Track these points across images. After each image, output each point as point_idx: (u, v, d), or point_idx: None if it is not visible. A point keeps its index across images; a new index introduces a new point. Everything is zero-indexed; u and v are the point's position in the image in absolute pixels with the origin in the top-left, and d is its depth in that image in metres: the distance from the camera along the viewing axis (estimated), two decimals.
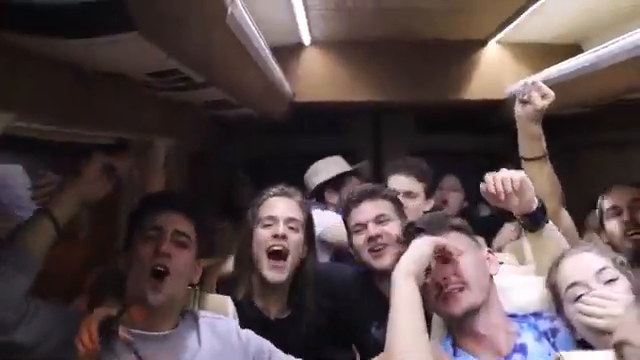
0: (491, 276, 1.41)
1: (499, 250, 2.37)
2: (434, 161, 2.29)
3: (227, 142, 3.12)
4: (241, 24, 1.41)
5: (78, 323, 1.23)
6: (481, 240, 1.94)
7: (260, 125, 2.97)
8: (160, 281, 1.31)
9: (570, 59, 2.00)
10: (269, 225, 1.70)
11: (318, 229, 1.97)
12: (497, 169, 1.47)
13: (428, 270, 1.30)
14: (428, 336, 1.22)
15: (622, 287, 1.26)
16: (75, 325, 1.22)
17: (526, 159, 1.71)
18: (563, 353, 1.19)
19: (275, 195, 1.76)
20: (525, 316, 1.41)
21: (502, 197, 1.43)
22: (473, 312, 1.33)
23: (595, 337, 1.24)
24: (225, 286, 1.71)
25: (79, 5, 0.85)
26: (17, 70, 1.01)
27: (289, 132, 3.17)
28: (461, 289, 1.33)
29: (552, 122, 2.79)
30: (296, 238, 1.70)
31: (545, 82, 2.17)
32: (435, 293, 1.34)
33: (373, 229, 1.76)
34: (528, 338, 1.34)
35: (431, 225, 1.45)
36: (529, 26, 2.49)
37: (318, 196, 2.64)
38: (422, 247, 1.30)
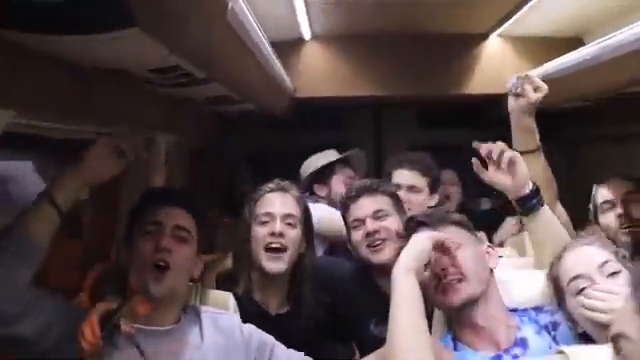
0: (491, 270, 1.42)
1: (501, 245, 2.38)
2: (435, 155, 2.29)
3: (228, 138, 3.12)
4: (242, 19, 1.41)
5: (80, 317, 1.23)
6: (482, 235, 1.95)
7: (261, 121, 2.97)
8: (161, 273, 1.31)
9: (572, 52, 2.00)
10: (266, 222, 1.70)
11: None
12: None
13: (427, 264, 1.30)
14: (429, 332, 1.23)
15: (624, 280, 1.26)
16: (77, 319, 1.22)
17: (520, 152, 1.72)
18: (564, 347, 1.20)
19: (271, 191, 1.76)
20: (525, 310, 1.41)
21: (493, 165, 1.43)
22: (472, 303, 1.34)
23: (597, 331, 1.25)
24: (225, 282, 1.72)
25: (79, 1, 0.85)
26: (17, 67, 1.01)
27: (290, 127, 3.17)
28: (460, 280, 1.34)
29: (553, 116, 2.79)
30: (294, 234, 1.70)
31: (546, 76, 2.18)
32: (434, 284, 1.35)
33: (371, 225, 1.76)
34: (529, 332, 1.34)
35: (432, 219, 1.46)
36: (530, 19, 2.49)
37: (311, 190, 2.63)
38: (422, 242, 1.31)
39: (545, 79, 2.18)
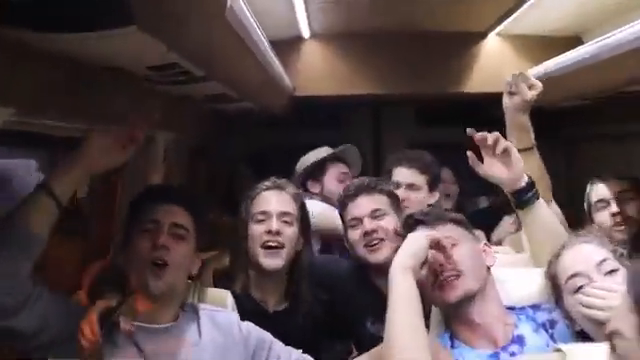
0: (488, 268, 1.42)
1: (498, 243, 2.38)
2: (434, 154, 2.29)
3: (227, 136, 3.12)
4: (240, 17, 1.41)
5: (79, 315, 1.23)
6: (480, 233, 1.95)
7: (260, 119, 2.97)
8: (160, 270, 1.31)
9: (570, 51, 2.00)
10: (262, 220, 1.70)
11: None
12: None
13: (424, 263, 1.31)
14: (426, 331, 1.23)
15: (622, 278, 1.27)
16: (76, 316, 1.22)
17: None
18: (562, 345, 1.20)
19: (268, 189, 1.76)
20: (523, 308, 1.42)
21: (487, 152, 1.43)
22: (468, 300, 1.35)
23: (595, 329, 1.25)
24: (222, 279, 1.71)
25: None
26: (15, 65, 1.01)
27: (289, 126, 3.17)
28: (457, 276, 1.34)
29: (552, 115, 2.79)
30: (290, 232, 1.70)
31: (545, 74, 2.18)
32: (431, 280, 1.35)
33: (368, 224, 1.76)
34: (526, 329, 1.35)
35: (429, 217, 1.47)
36: (529, 18, 2.49)
37: (305, 187, 2.61)
38: (418, 241, 1.31)
39: (544, 78, 2.19)
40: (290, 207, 1.73)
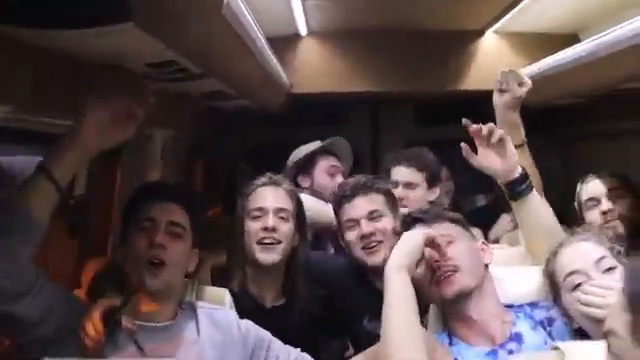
0: (486, 266, 1.43)
1: (496, 241, 2.39)
2: (433, 152, 2.29)
3: (224, 133, 3.12)
4: (237, 15, 1.41)
5: (79, 311, 1.22)
6: (477, 232, 1.96)
7: (258, 116, 2.96)
8: (157, 269, 1.31)
9: (567, 49, 2.00)
10: (258, 217, 1.70)
11: None
12: None
13: (420, 261, 1.31)
14: (423, 329, 1.23)
15: (620, 276, 1.27)
16: (77, 312, 1.22)
17: None
18: (559, 343, 1.21)
19: (263, 185, 1.76)
20: (521, 306, 1.42)
21: (482, 142, 1.44)
22: (465, 296, 1.35)
23: (593, 326, 1.25)
24: (219, 276, 1.71)
25: None
26: (13, 62, 1.01)
27: (287, 123, 3.16)
28: (453, 272, 1.35)
29: (548, 113, 2.80)
30: (286, 228, 1.71)
31: (542, 72, 2.18)
32: (428, 277, 1.36)
33: (366, 227, 1.75)
34: (524, 327, 1.35)
35: (427, 216, 1.47)
36: (526, 16, 2.49)
37: (295, 182, 2.58)
38: (413, 239, 1.31)
39: (541, 76, 2.20)
40: (286, 203, 1.73)
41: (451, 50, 2.83)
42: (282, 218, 1.71)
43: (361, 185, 1.81)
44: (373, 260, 1.74)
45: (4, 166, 1.62)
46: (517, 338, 1.33)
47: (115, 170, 2.02)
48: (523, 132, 1.75)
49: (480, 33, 2.83)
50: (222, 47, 1.51)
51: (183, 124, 2.32)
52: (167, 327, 1.34)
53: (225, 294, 1.57)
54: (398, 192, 2.01)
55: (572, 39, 2.52)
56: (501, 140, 1.46)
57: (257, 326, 1.45)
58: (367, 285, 1.77)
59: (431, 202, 2.12)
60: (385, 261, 1.29)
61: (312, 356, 1.49)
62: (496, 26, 2.73)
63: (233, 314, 1.46)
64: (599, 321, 1.20)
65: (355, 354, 1.49)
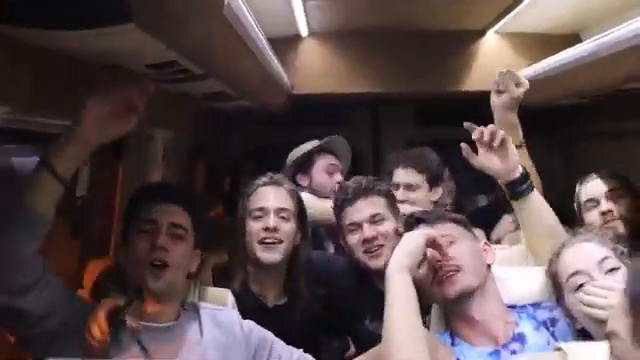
0: (489, 266, 1.43)
1: (498, 241, 2.38)
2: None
3: (226, 134, 3.12)
4: (238, 15, 1.41)
5: (83, 310, 1.22)
6: (479, 232, 1.95)
7: (259, 117, 2.96)
8: (160, 271, 1.31)
9: (568, 49, 2.00)
10: (260, 217, 1.70)
11: None
12: None
13: (422, 261, 1.31)
14: (425, 329, 1.23)
15: (623, 277, 1.27)
16: (81, 311, 1.22)
17: None
18: (562, 344, 1.20)
19: (265, 184, 1.75)
20: (524, 306, 1.42)
21: (481, 140, 1.44)
22: (467, 296, 1.35)
23: (595, 327, 1.25)
24: (221, 276, 1.71)
25: None
26: (13, 63, 1.01)
27: (288, 124, 3.17)
28: (456, 272, 1.35)
29: (550, 113, 2.79)
30: (288, 228, 1.70)
31: (544, 72, 2.18)
32: (430, 277, 1.36)
33: (368, 231, 1.75)
34: (526, 327, 1.35)
35: (430, 216, 1.47)
36: (527, 16, 2.49)
37: (294, 181, 2.56)
38: (414, 240, 1.31)
39: (542, 76, 2.19)
40: (287, 203, 1.73)
41: (452, 50, 2.83)
42: (283, 218, 1.71)
43: (362, 188, 1.80)
44: (376, 264, 1.73)
45: (16, 166, 1.63)
46: (520, 338, 1.33)
47: (117, 171, 2.02)
48: (521, 133, 1.75)
49: (481, 33, 2.83)
50: (223, 48, 1.51)
51: (184, 125, 2.32)
52: (170, 328, 1.34)
53: (227, 294, 1.57)
54: (399, 194, 2.01)
55: (573, 39, 2.52)
56: (503, 142, 1.46)
57: (259, 326, 1.45)
58: (368, 286, 1.77)
59: (435, 202, 2.12)
60: (387, 263, 1.29)
61: (314, 356, 1.48)
62: (497, 26, 2.72)
63: (236, 314, 1.46)
64: (602, 322, 1.19)
65: (357, 355, 1.48)
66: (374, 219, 1.77)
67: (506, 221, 2.51)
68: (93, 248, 1.90)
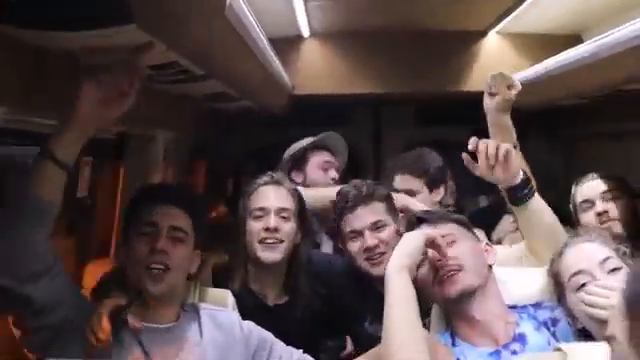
0: (490, 266, 1.43)
1: (499, 242, 2.38)
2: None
3: (227, 135, 3.12)
4: (240, 16, 1.41)
5: (88, 309, 1.22)
6: (480, 233, 1.95)
7: (260, 118, 2.96)
8: (159, 275, 1.30)
9: (570, 50, 2.00)
10: (260, 217, 1.70)
11: None
12: None
13: (422, 262, 1.31)
14: (425, 329, 1.23)
15: (624, 277, 1.27)
16: (85, 310, 1.22)
17: None
18: (562, 345, 1.20)
19: (265, 184, 1.75)
20: (525, 306, 1.42)
21: (482, 160, 1.44)
22: (469, 295, 1.35)
23: (597, 327, 1.25)
24: (221, 276, 1.71)
25: None
26: (13, 63, 1.01)
27: (289, 125, 3.17)
28: (457, 271, 1.35)
29: (551, 114, 2.79)
30: (288, 227, 1.70)
31: (545, 73, 2.18)
32: (432, 276, 1.36)
33: (370, 239, 1.73)
34: (527, 328, 1.35)
35: (432, 216, 1.48)
36: (529, 17, 2.49)
37: (289, 178, 2.54)
38: (414, 240, 1.31)
39: (543, 76, 2.19)
40: (288, 202, 1.73)
41: (453, 51, 2.83)
42: (284, 217, 1.71)
43: (363, 196, 1.78)
44: (379, 271, 1.70)
45: (18, 158, 1.63)
46: (521, 339, 1.33)
47: (118, 171, 2.03)
48: (515, 134, 1.76)
49: (482, 34, 2.83)
50: (224, 48, 1.52)
51: (185, 125, 2.32)
52: (170, 329, 1.34)
53: (228, 295, 1.57)
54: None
55: (575, 40, 2.52)
56: (506, 155, 1.46)
57: (259, 327, 1.45)
58: (369, 288, 1.76)
59: (439, 203, 2.11)
60: None
61: (314, 356, 1.49)
62: (498, 27, 2.72)
63: (236, 315, 1.46)
64: (603, 322, 1.19)
65: (355, 355, 1.49)
66: (375, 226, 1.76)
67: (507, 222, 2.51)
68: (90, 247, 1.90)
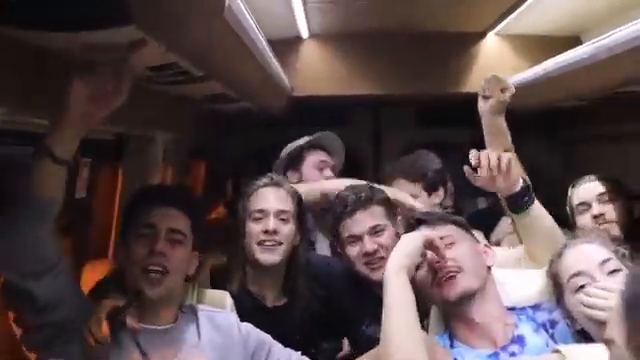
0: (489, 268, 1.43)
1: (497, 243, 2.38)
2: (435, 154, 2.28)
3: (226, 136, 3.12)
4: (239, 17, 1.41)
5: (89, 310, 1.22)
6: (479, 235, 1.95)
7: (259, 119, 2.96)
8: (157, 279, 1.30)
9: (569, 51, 2.00)
10: (260, 219, 1.70)
11: None
12: None
13: (421, 263, 1.31)
14: (422, 330, 1.23)
15: (624, 279, 1.27)
16: (86, 311, 1.22)
17: None
18: (561, 346, 1.20)
19: (265, 185, 1.75)
20: (523, 308, 1.42)
21: (484, 173, 1.44)
22: (468, 298, 1.34)
23: (596, 328, 1.25)
24: (219, 277, 1.71)
25: None
26: (12, 64, 1.01)
27: (288, 126, 3.17)
28: (456, 272, 1.35)
29: (551, 115, 2.79)
30: (287, 230, 1.70)
31: (544, 74, 2.18)
32: (431, 278, 1.36)
33: (369, 244, 1.73)
34: (526, 329, 1.35)
35: (432, 217, 1.48)
36: (528, 18, 2.49)
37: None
38: (412, 241, 1.31)
39: (542, 78, 2.20)
40: (287, 204, 1.73)
41: (452, 52, 2.83)
42: (283, 220, 1.70)
43: (362, 201, 1.78)
44: (378, 276, 1.69)
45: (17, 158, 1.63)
46: (519, 341, 1.33)
47: (116, 172, 2.03)
48: (509, 136, 1.76)
49: (481, 35, 2.83)
50: (223, 49, 1.52)
51: (184, 127, 2.32)
52: (168, 330, 1.34)
53: (226, 297, 1.57)
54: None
55: (574, 41, 2.53)
56: (508, 166, 1.46)
57: (258, 329, 1.45)
58: (367, 291, 1.76)
59: (440, 205, 2.11)
60: None
61: (313, 357, 1.48)
62: (497, 28, 2.73)
63: (234, 317, 1.46)
64: (602, 323, 1.19)
65: (354, 357, 1.48)
66: (374, 230, 1.75)
67: (505, 223, 2.50)
68: (92, 250, 1.90)
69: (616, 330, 0.80)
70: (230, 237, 1.79)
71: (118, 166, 2.02)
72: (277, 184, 1.76)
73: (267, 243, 1.67)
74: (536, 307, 1.42)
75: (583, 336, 1.31)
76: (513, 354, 1.30)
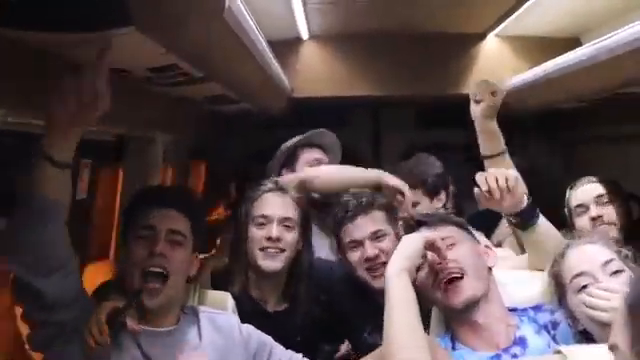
0: (490, 269, 1.42)
1: (498, 245, 2.37)
2: (435, 155, 2.28)
3: (226, 137, 3.12)
4: (239, 18, 1.41)
5: (90, 311, 1.22)
6: (480, 236, 1.95)
7: (259, 120, 2.96)
8: (158, 284, 1.30)
9: (568, 53, 2.00)
10: (263, 224, 1.68)
11: None
12: None
13: (422, 264, 1.31)
14: (424, 330, 1.23)
15: (626, 280, 1.27)
16: (87, 309, 1.22)
17: (486, 157, 1.76)
18: (562, 347, 1.20)
19: (270, 191, 1.74)
20: (525, 309, 1.41)
21: (497, 195, 1.43)
22: (473, 305, 1.34)
23: (598, 329, 1.25)
24: (220, 279, 1.70)
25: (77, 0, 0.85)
26: (12, 65, 1.01)
27: (288, 127, 3.16)
28: (460, 277, 1.34)
29: (551, 117, 2.79)
30: (290, 237, 1.69)
31: (544, 76, 2.19)
32: (431, 280, 1.35)
33: (371, 249, 1.71)
34: (528, 331, 1.35)
35: (432, 219, 1.47)
36: (528, 19, 2.49)
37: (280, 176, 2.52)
38: (413, 242, 1.31)
39: (542, 79, 2.20)
40: (291, 212, 1.71)
41: (452, 54, 2.83)
42: (287, 227, 1.69)
43: (363, 205, 1.76)
44: (378, 284, 1.68)
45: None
46: (521, 342, 1.32)
47: (117, 173, 2.03)
48: (502, 140, 1.77)
49: (481, 36, 2.83)
50: (223, 51, 1.51)
51: (185, 128, 2.32)
52: (170, 332, 1.34)
53: (227, 298, 1.57)
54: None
55: (573, 43, 2.53)
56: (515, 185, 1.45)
57: (259, 331, 1.45)
58: (369, 298, 1.74)
59: (443, 207, 2.10)
60: None
61: (313, 359, 1.48)
62: (497, 29, 2.73)
63: (235, 319, 1.46)
64: (604, 324, 1.20)
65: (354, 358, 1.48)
66: (376, 235, 1.74)
67: (505, 224, 2.50)
68: (92, 251, 1.90)
69: (620, 336, 0.80)
70: (231, 239, 1.79)
71: (118, 167, 2.02)
72: (282, 190, 1.74)
73: (269, 250, 1.66)
74: (538, 308, 1.41)
75: (585, 337, 1.31)
76: (515, 356, 1.30)
